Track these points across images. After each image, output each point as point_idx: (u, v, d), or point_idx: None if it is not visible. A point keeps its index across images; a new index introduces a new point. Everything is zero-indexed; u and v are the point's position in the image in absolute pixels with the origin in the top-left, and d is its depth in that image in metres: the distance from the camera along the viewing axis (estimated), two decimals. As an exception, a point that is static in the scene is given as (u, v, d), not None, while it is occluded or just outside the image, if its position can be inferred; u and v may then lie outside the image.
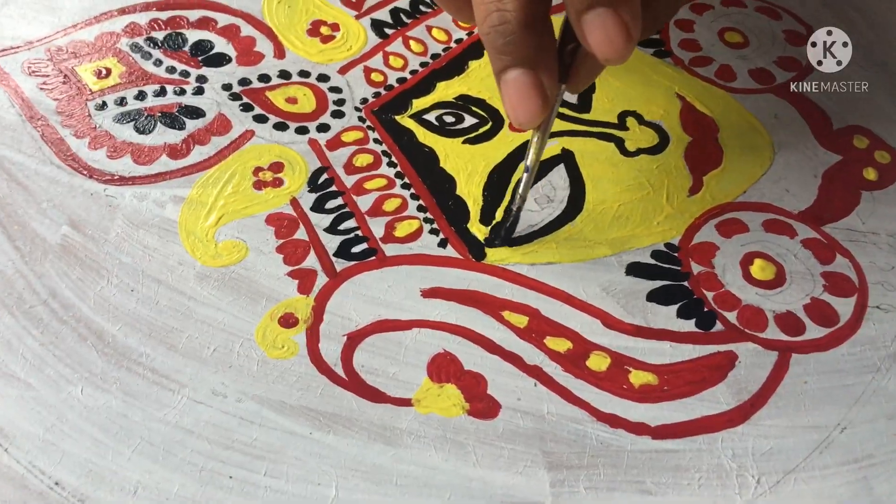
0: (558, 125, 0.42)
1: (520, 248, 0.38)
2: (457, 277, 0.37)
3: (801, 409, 0.33)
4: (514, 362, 0.34)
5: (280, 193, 0.39)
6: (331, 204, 0.39)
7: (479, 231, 0.38)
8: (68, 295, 0.35)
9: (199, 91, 0.43)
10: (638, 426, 0.33)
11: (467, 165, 0.41)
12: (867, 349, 0.35)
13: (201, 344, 0.34)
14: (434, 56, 0.45)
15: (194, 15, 0.46)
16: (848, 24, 0.48)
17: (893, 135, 0.43)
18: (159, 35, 0.45)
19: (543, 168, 0.41)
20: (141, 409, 0.32)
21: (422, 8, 0.48)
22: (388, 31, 0.46)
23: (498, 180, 0.40)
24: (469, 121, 0.42)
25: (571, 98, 0.44)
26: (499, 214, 0.39)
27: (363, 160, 0.41)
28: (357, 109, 0.43)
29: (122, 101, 0.42)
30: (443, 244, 0.38)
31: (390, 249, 0.37)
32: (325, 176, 0.40)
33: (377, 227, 0.38)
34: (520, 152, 0.41)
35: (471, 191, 0.40)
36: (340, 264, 0.37)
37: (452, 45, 0.46)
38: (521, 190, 0.37)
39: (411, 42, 0.46)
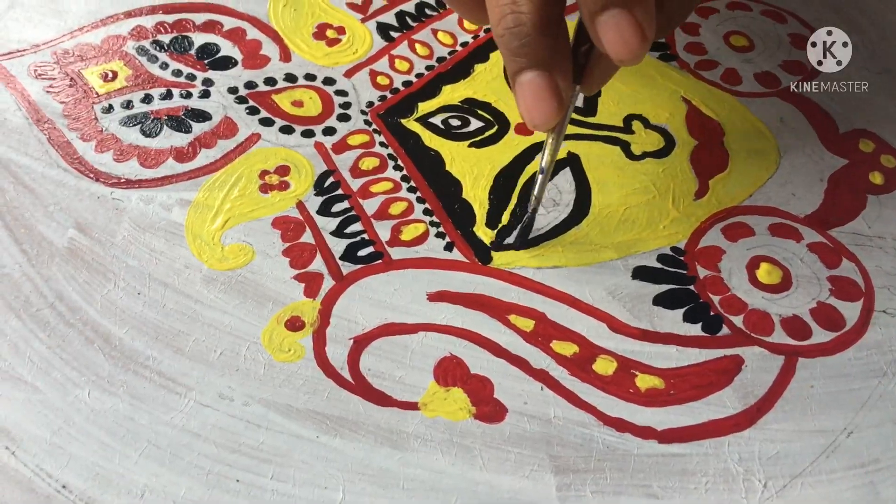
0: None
1: (526, 251, 0.38)
2: (463, 281, 0.37)
3: (807, 413, 0.33)
4: (521, 366, 0.34)
5: (286, 197, 0.39)
6: (337, 207, 0.39)
7: (486, 234, 0.38)
8: (75, 298, 0.35)
9: (205, 94, 0.43)
10: (644, 430, 0.33)
11: (473, 169, 0.41)
12: (874, 353, 0.35)
13: (208, 347, 0.34)
14: (440, 59, 0.46)
15: (200, 18, 0.46)
16: (854, 28, 0.48)
17: (899, 138, 0.43)
18: (165, 38, 0.45)
19: (549, 171, 0.41)
20: (148, 412, 0.32)
21: (427, 11, 0.48)
22: (394, 34, 0.47)
23: (504, 184, 0.40)
24: (475, 124, 0.42)
25: (577, 101, 0.44)
26: (505, 218, 0.39)
27: (369, 163, 0.41)
28: (363, 113, 0.43)
29: (128, 105, 0.42)
30: (449, 248, 0.38)
31: (396, 253, 0.37)
32: (331, 179, 0.40)
33: (383, 230, 0.38)
34: (526, 156, 0.41)
35: (477, 194, 0.40)
36: (347, 268, 0.37)
37: (458, 48, 0.46)
38: (535, 191, 0.37)
39: (417, 45, 0.46)
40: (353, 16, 0.47)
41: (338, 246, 0.37)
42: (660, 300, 0.36)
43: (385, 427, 0.32)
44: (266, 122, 0.42)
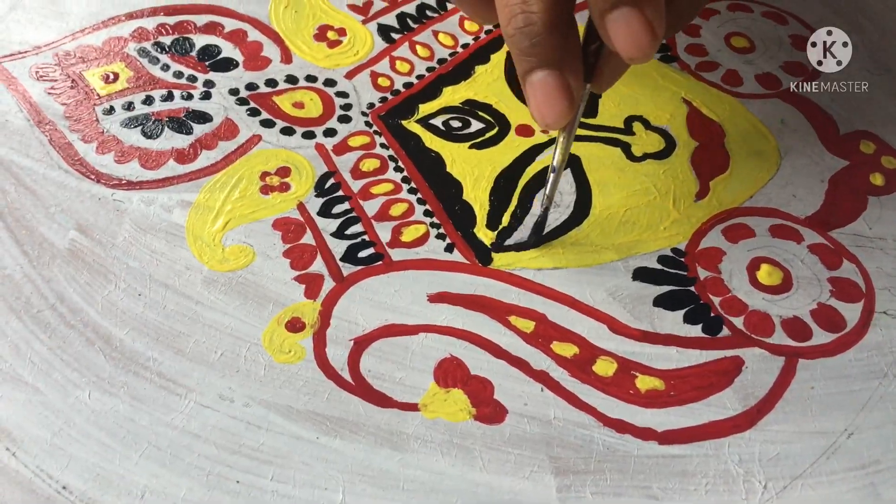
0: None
1: (526, 252, 0.38)
2: (463, 282, 0.37)
3: (807, 414, 0.33)
4: (521, 367, 0.34)
5: (287, 198, 0.39)
6: (337, 209, 0.39)
7: (486, 236, 0.38)
8: (76, 299, 0.35)
9: (206, 96, 0.43)
10: (644, 431, 0.33)
11: (474, 170, 0.41)
12: (874, 355, 0.35)
13: (208, 348, 0.34)
14: (440, 61, 0.46)
15: (201, 20, 0.46)
16: (855, 29, 0.48)
17: (900, 140, 0.43)
18: (167, 40, 0.45)
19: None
20: (148, 413, 0.32)
21: (428, 13, 0.48)
22: (395, 35, 0.47)
23: (504, 185, 0.40)
24: (476, 126, 0.43)
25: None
26: (505, 219, 0.39)
27: (370, 165, 0.41)
28: (364, 114, 0.43)
29: (129, 106, 0.42)
30: (449, 249, 0.38)
31: (397, 254, 0.37)
32: (331, 181, 0.40)
33: (384, 231, 0.38)
34: (526, 157, 0.41)
35: (477, 196, 0.40)
36: (347, 269, 0.37)
37: (459, 49, 0.46)
38: (548, 190, 0.37)
39: (418, 47, 0.46)
40: (354, 17, 0.47)
41: (338, 247, 0.37)
42: (660, 301, 0.36)
43: (385, 428, 0.32)
44: (267, 124, 0.42)
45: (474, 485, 0.31)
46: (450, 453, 0.32)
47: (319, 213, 0.39)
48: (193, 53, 0.45)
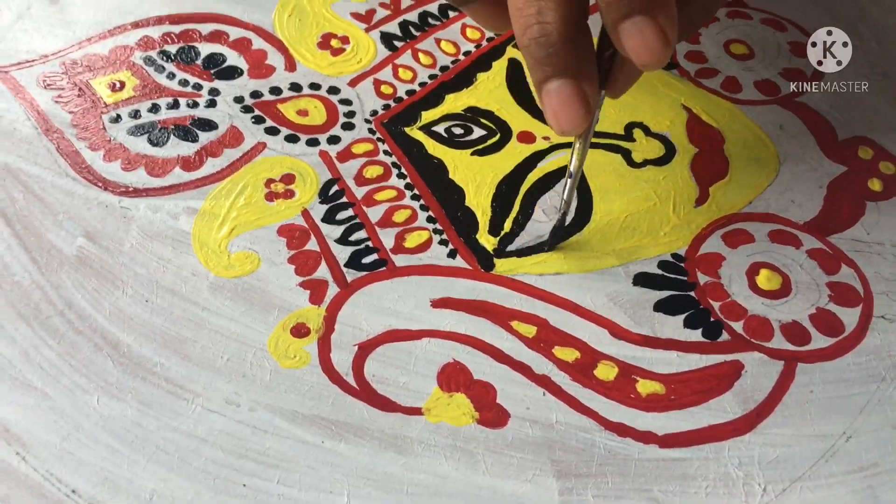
0: (565, 137, 0.43)
1: (528, 258, 0.38)
2: (466, 288, 0.37)
3: (806, 418, 0.34)
4: (523, 372, 0.35)
5: (291, 205, 0.39)
6: (341, 215, 0.39)
7: (488, 242, 0.39)
8: (84, 305, 0.36)
9: (211, 104, 0.43)
10: (645, 435, 0.33)
11: (476, 177, 0.41)
12: (872, 359, 0.36)
13: (215, 354, 0.35)
14: (443, 68, 0.46)
15: (206, 28, 0.47)
16: (853, 35, 0.48)
17: (898, 145, 0.44)
18: (172, 48, 0.46)
19: (551, 179, 0.41)
20: (156, 418, 0.33)
21: (430, 21, 0.48)
22: (398, 43, 0.47)
23: (506, 191, 0.41)
24: (478, 132, 0.43)
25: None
26: (507, 225, 0.39)
27: (373, 172, 0.41)
28: (367, 121, 0.43)
29: (136, 114, 0.42)
30: (452, 255, 0.38)
31: (400, 260, 0.38)
32: (335, 187, 0.40)
33: (387, 238, 0.39)
34: (528, 164, 0.42)
35: (479, 202, 0.40)
36: (351, 275, 0.37)
37: (461, 57, 0.47)
38: (565, 195, 0.37)
39: (420, 54, 0.47)
40: (358, 25, 0.48)
41: (342, 253, 0.38)
42: (660, 306, 0.37)
43: (389, 432, 0.33)
44: (271, 131, 0.42)
45: (477, 488, 0.32)
46: (453, 457, 0.32)
47: (324, 220, 0.39)
48: (199, 62, 0.45)
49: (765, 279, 0.38)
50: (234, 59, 0.45)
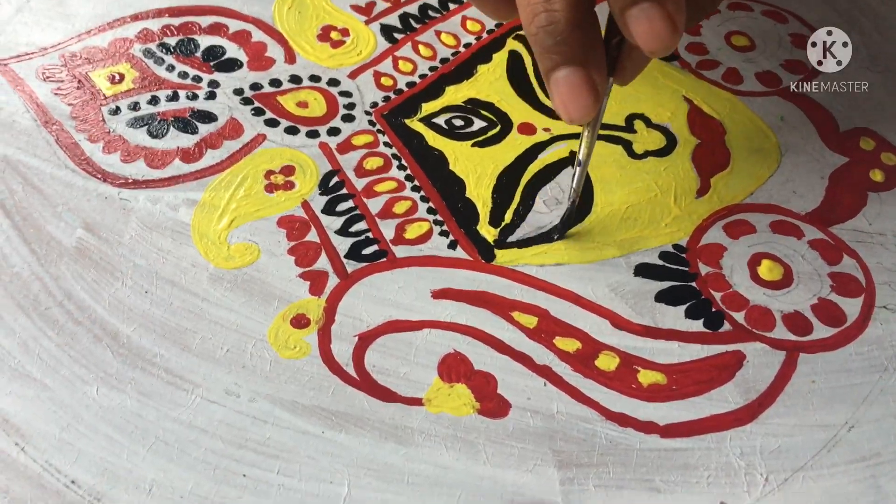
0: (566, 128, 0.43)
1: (529, 249, 0.38)
2: (466, 278, 0.37)
3: (808, 407, 0.34)
4: (524, 362, 0.35)
5: (291, 196, 0.39)
6: (342, 206, 0.39)
7: (489, 233, 0.39)
8: (83, 297, 0.35)
9: (211, 96, 0.43)
10: (647, 425, 0.33)
11: (476, 168, 0.41)
12: (874, 349, 0.35)
13: (214, 344, 0.34)
14: (443, 60, 0.46)
15: (206, 21, 0.47)
16: (854, 28, 0.48)
17: (900, 136, 0.44)
18: (172, 41, 0.45)
19: (551, 170, 0.41)
20: (155, 408, 0.33)
21: (430, 13, 0.48)
22: (398, 35, 0.47)
23: (507, 183, 0.40)
24: (478, 124, 0.43)
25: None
26: (508, 216, 0.39)
27: (373, 163, 0.41)
28: (367, 113, 0.43)
29: (135, 106, 0.42)
30: (452, 246, 0.38)
31: (401, 251, 0.38)
32: (335, 179, 0.40)
33: (387, 229, 0.38)
34: (528, 155, 0.42)
35: (480, 193, 0.40)
36: (351, 266, 0.37)
37: (461, 49, 0.47)
38: (574, 183, 0.37)
39: (420, 46, 0.46)
40: (357, 18, 0.48)
41: (342, 244, 0.38)
42: (662, 297, 0.37)
43: (390, 423, 0.33)
44: (271, 123, 0.42)
45: (478, 478, 0.32)
46: (454, 447, 0.32)
47: (324, 211, 0.39)
48: (198, 54, 0.45)
49: (766, 270, 0.38)
50: (233, 51, 0.45)
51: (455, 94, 0.44)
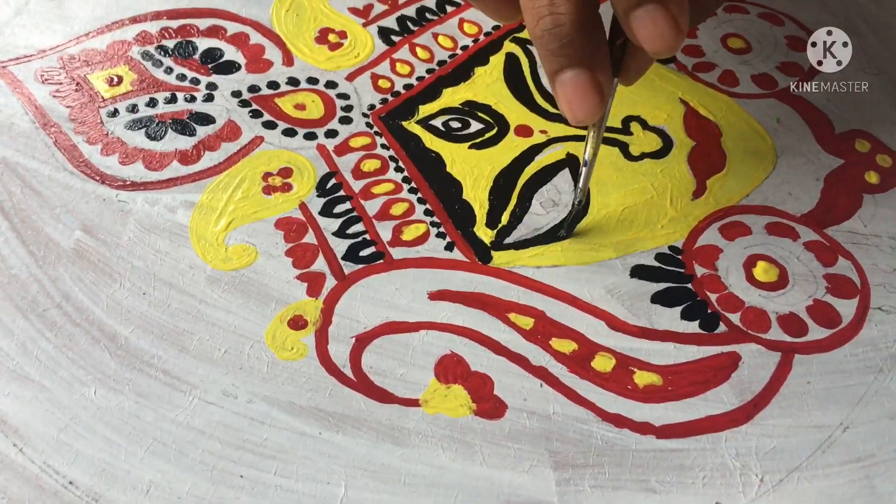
0: (563, 130, 0.43)
1: (525, 250, 0.38)
2: (463, 280, 0.37)
3: (804, 408, 0.34)
4: (520, 363, 0.35)
5: (289, 198, 0.40)
6: (339, 208, 0.39)
7: (486, 234, 0.39)
8: (81, 298, 0.36)
9: (209, 98, 0.43)
10: (642, 426, 0.33)
11: (473, 170, 0.41)
12: (869, 350, 0.36)
13: (212, 346, 0.35)
14: (440, 63, 0.46)
15: (204, 23, 0.47)
16: (850, 30, 0.48)
17: (895, 139, 0.44)
18: (170, 43, 0.46)
19: (548, 172, 0.41)
20: (153, 409, 0.33)
21: (428, 16, 0.48)
22: (395, 38, 0.47)
23: (504, 184, 0.41)
24: (475, 126, 0.43)
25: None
26: (504, 218, 0.39)
27: (371, 165, 0.41)
28: (364, 115, 0.43)
29: (133, 108, 0.42)
30: (449, 247, 0.38)
31: (398, 253, 0.38)
32: (333, 181, 0.40)
33: (385, 230, 0.39)
34: (525, 157, 0.42)
35: (477, 195, 0.40)
36: (349, 267, 0.37)
37: (458, 52, 0.47)
38: (581, 183, 0.37)
39: (418, 49, 0.47)
40: (355, 20, 0.48)
41: (340, 246, 0.38)
42: (658, 298, 0.37)
43: (386, 423, 0.33)
44: (269, 125, 0.42)
45: (474, 479, 0.32)
46: (450, 448, 0.32)
47: (321, 213, 0.39)
48: (196, 56, 0.45)
49: (762, 271, 0.38)
50: (231, 53, 0.45)
51: (452, 97, 0.44)
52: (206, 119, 0.42)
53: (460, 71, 0.46)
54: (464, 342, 0.35)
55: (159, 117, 0.42)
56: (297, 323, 0.35)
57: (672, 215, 0.40)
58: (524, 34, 0.47)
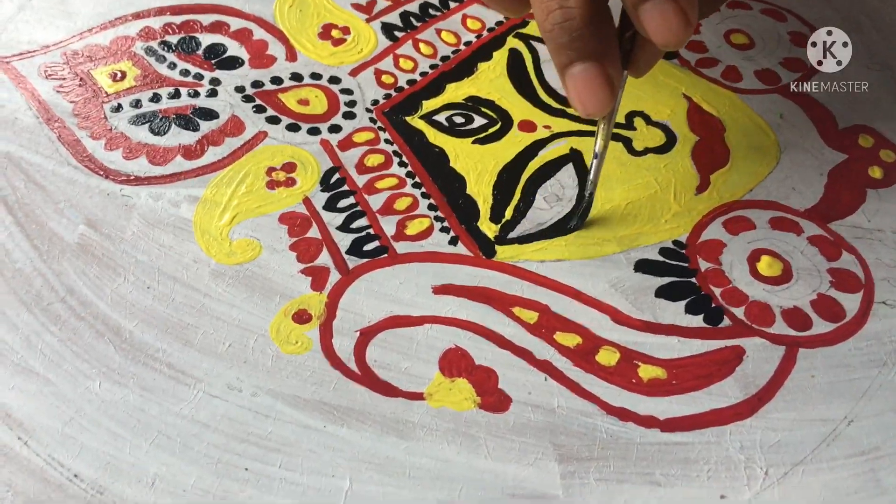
0: (566, 125, 0.43)
1: (529, 245, 0.38)
2: (467, 274, 0.37)
3: (808, 402, 0.34)
4: (525, 357, 0.35)
5: (293, 193, 0.40)
6: (343, 203, 0.39)
7: (489, 229, 0.39)
8: (86, 292, 0.36)
9: (212, 93, 0.43)
10: (647, 419, 0.33)
11: (477, 165, 0.41)
12: (873, 344, 0.36)
13: (216, 340, 0.35)
14: (443, 58, 0.46)
15: (207, 19, 0.47)
16: (853, 26, 0.49)
17: (899, 134, 0.44)
18: (173, 39, 0.46)
19: (552, 167, 0.41)
20: (158, 403, 0.33)
21: (431, 11, 0.48)
22: (398, 33, 0.47)
23: (507, 179, 0.41)
24: (479, 121, 0.43)
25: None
26: (508, 213, 0.39)
27: (374, 160, 0.41)
28: (368, 111, 0.43)
29: (137, 104, 0.42)
30: (453, 242, 0.38)
31: (401, 247, 0.38)
32: (336, 175, 0.40)
33: (388, 225, 0.39)
34: (529, 152, 0.42)
35: (480, 190, 0.40)
36: (353, 262, 0.37)
37: (461, 47, 0.47)
38: (591, 176, 0.37)
39: (421, 44, 0.47)
40: (358, 16, 0.48)
41: (344, 240, 0.38)
42: (662, 292, 0.37)
43: (391, 417, 0.33)
44: (273, 120, 0.42)
45: (479, 472, 0.32)
46: (455, 441, 0.32)
47: (325, 208, 0.39)
48: (200, 52, 0.45)
49: (766, 265, 0.38)
50: (234, 49, 0.45)
51: (456, 92, 0.44)
52: (210, 114, 0.42)
53: (463, 66, 0.46)
54: (468, 336, 0.35)
55: (163, 112, 0.42)
56: (301, 317, 0.35)
57: (676, 210, 0.40)
58: (527, 30, 0.48)
